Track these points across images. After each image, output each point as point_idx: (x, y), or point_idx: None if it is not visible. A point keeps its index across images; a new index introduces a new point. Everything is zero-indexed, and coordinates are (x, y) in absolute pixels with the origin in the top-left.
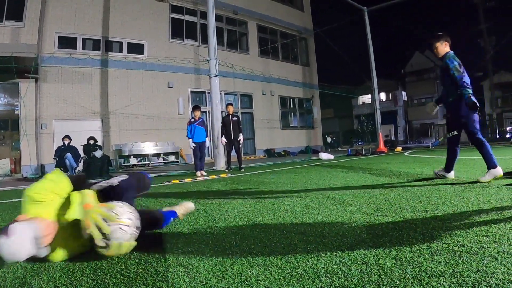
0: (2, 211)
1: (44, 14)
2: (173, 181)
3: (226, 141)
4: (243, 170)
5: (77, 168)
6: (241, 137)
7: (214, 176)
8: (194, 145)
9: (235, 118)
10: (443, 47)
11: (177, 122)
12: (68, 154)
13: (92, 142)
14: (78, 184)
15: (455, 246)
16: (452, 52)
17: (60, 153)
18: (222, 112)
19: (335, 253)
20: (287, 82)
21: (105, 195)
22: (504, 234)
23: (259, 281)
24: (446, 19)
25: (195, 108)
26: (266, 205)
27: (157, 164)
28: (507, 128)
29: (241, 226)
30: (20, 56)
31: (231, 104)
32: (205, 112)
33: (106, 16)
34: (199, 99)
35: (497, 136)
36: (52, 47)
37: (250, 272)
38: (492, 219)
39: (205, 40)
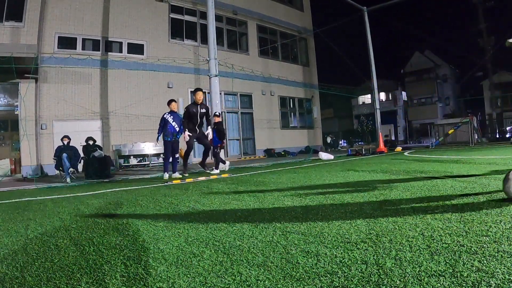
0: (2, 212)
1: (44, 15)
2: (174, 181)
3: (190, 134)
4: (220, 171)
5: (71, 169)
6: (209, 131)
7: (215, 176)
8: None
9: (204, 110)
10: None
11: None
12: (64, 155)
13: (91, 142)
14: None
15: (455, 246)
16: None
17: (60, 153)
18: (222, 112)
19: (335, 253)
20: (287, 82)
21: None
22: (504, 234)
23: (259, 281)
24: (445, 18)
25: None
26: (266, 205)
27: (157, 164)
28: (507, 128)
29: (241, 226)
30: (20, 57)
31: (200, 90)
32: None
33: (106, 16)
34: None
35: (497, 136)
36: (52, 47)
37: (250, 272)
38: (492, 219)
39: (205, 40)
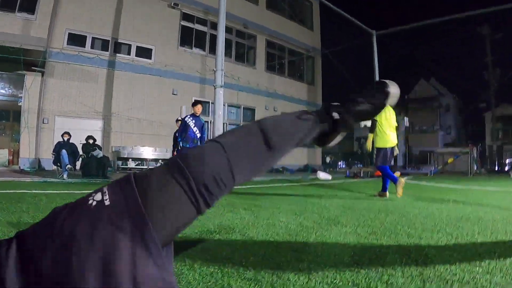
0: None
1: (57, 10)
2: None
3: None
4: None
5: (68, 165)
6: None
7: None
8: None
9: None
10: None
11: None
12: (63, 151)
13: (91, 141)
14: None
15: (447, 275)
16: None
17: (59, 148)
18: (224, 123)
19: (327, 273)
20: (291, 99)
21: None
22: (497, 266)
23: None
24: (452, 48)
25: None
26: (260, 220)
27: None
28: (506, 161)
29: (234, 239)
30: (29, 49)
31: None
32: (208, 122)
33: (118, 18)
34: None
35: (496, 169)
36: (61, 43)
37: (241, 285)
38: (486, 250)
39: (213, 50)
